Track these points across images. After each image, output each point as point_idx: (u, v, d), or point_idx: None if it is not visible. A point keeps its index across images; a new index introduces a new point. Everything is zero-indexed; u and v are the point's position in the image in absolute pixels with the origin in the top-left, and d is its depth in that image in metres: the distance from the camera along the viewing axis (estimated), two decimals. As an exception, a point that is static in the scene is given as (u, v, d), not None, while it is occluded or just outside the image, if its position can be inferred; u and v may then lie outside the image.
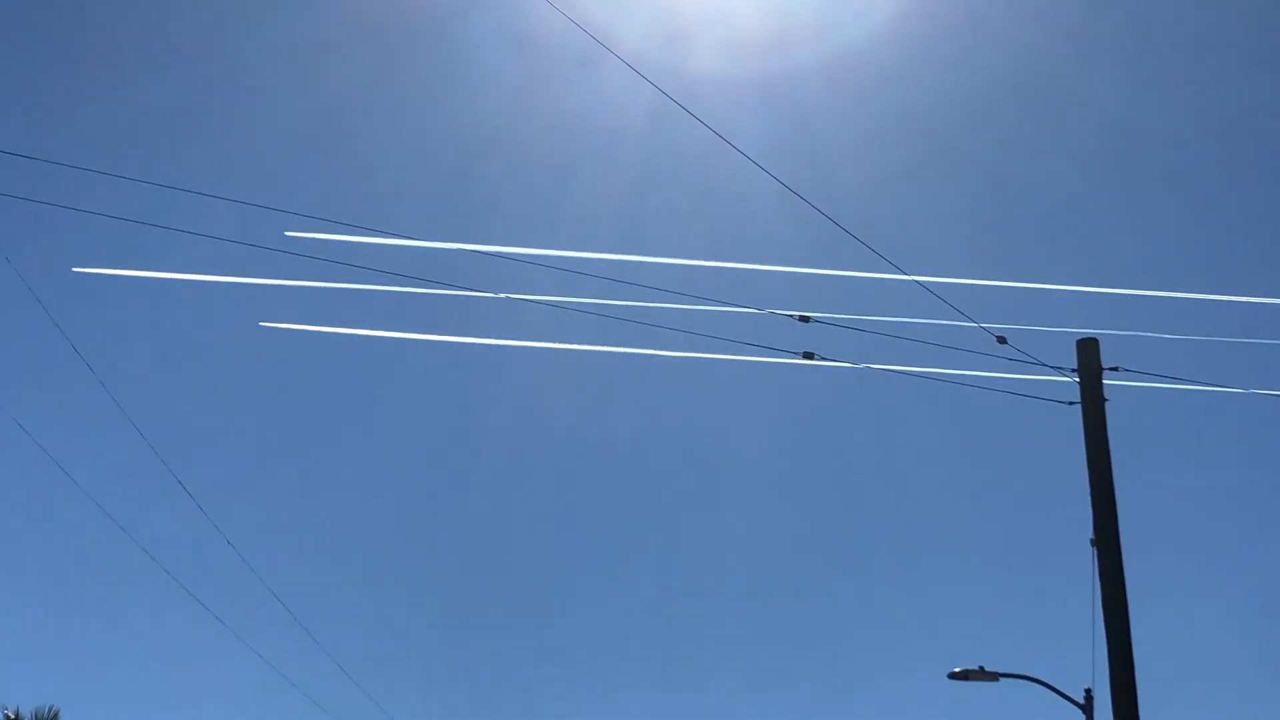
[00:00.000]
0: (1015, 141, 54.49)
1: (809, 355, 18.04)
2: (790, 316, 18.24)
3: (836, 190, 46.60)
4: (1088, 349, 17.68)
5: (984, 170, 55.60)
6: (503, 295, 19.47)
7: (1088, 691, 27.14)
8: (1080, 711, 27.13)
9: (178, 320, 55.50)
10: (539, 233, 49.02)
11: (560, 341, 24.92)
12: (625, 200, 50.82)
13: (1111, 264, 52.26)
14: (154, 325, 55.52)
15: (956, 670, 28.25)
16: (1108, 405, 17.49)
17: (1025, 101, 52.85)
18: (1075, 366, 17.68)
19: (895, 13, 44.60)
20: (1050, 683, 27.72)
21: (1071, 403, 17.62)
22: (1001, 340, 17.88)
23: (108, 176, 19.86)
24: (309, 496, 59.04)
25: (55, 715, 41.88)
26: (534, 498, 58.02)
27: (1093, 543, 17.01)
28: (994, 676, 28.19)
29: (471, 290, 19.48)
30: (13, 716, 41.65)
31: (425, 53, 51.66)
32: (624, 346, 23.17)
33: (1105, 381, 17.63)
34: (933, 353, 18.78)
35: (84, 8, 55.37)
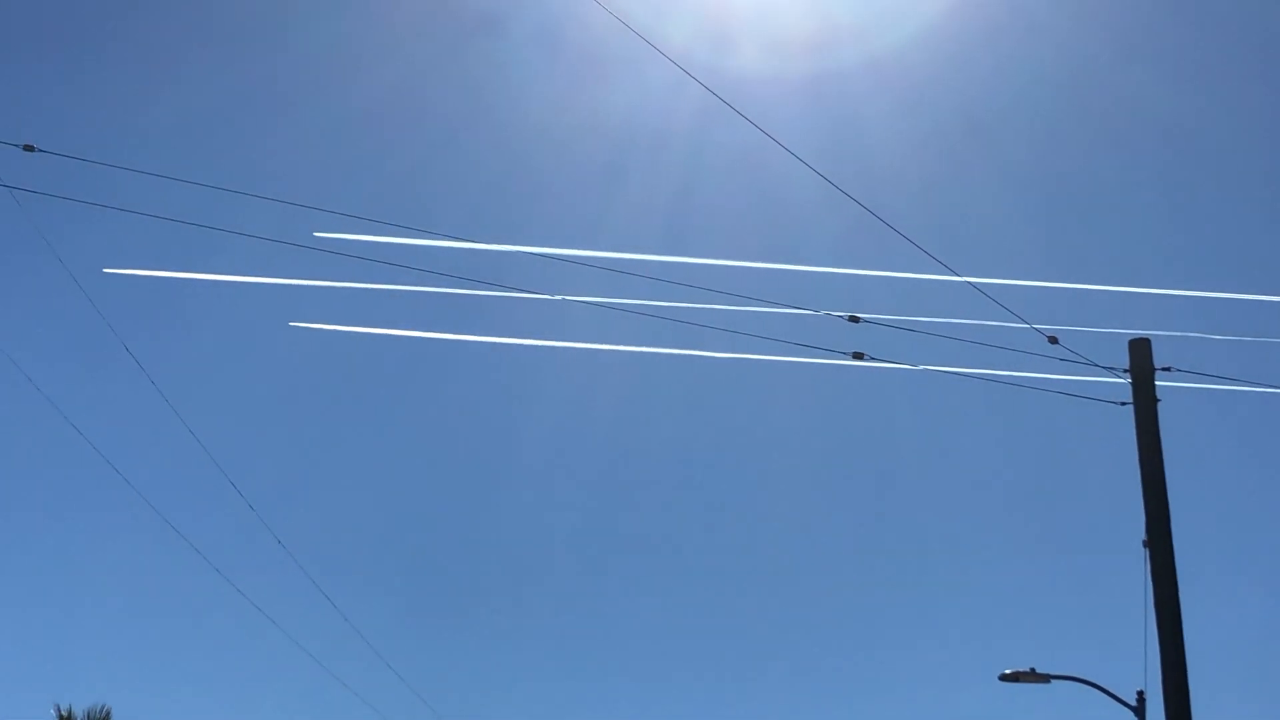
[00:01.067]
0: (1066, 140, 54.22)
1: (859, 356, 17.97)
2: (840, 317, 18.18)
3: (882, 190, 46.45)
4: (1140, 349, 17.57)
5: (1034, 169, 55.36)
6: (552, 296, 19.48)
7: (1140, 694, 26.94)
8: (1132, 714, 26.94)
9: (219, 321, 55.79)
10: (584, 233, 49.07)
11: (606, 343, 24.92)
12: (670, 200, 50.79)
13: (1164, 263, 51.96)
14: (196, 324, 55.79)
15: (1007, 672, 28.09)
16: (1160, 406, 17.37)
17: (1076, 100, 52.56)
18: (1127, 367, 17.57)
19: (942, 11, 44.40)
20: (1102, 685, 27.55)
21: (1124, 403, 17.52)
22: (1053, 340, 17.78)
23: (173, 179, 19.92)
24: (351, 495, 59.22)
25: (107, 715, 42.17)
26: (579, 499, 58.08)
27: (1145, 544, 16.90)
28: (1045, 678, 28.02)
29: (518, 291, 19.48)
30: (66, 715, 41.96)
31: (470, 53, 51.74)
32: (670, 348, 23.16)
33: (1158, 382, 17.51)
34: (984, 353, 18.69)
35: (124, 9, 55.69)
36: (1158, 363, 17.55)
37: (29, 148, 17.93)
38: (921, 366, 18.89)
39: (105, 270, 21.55)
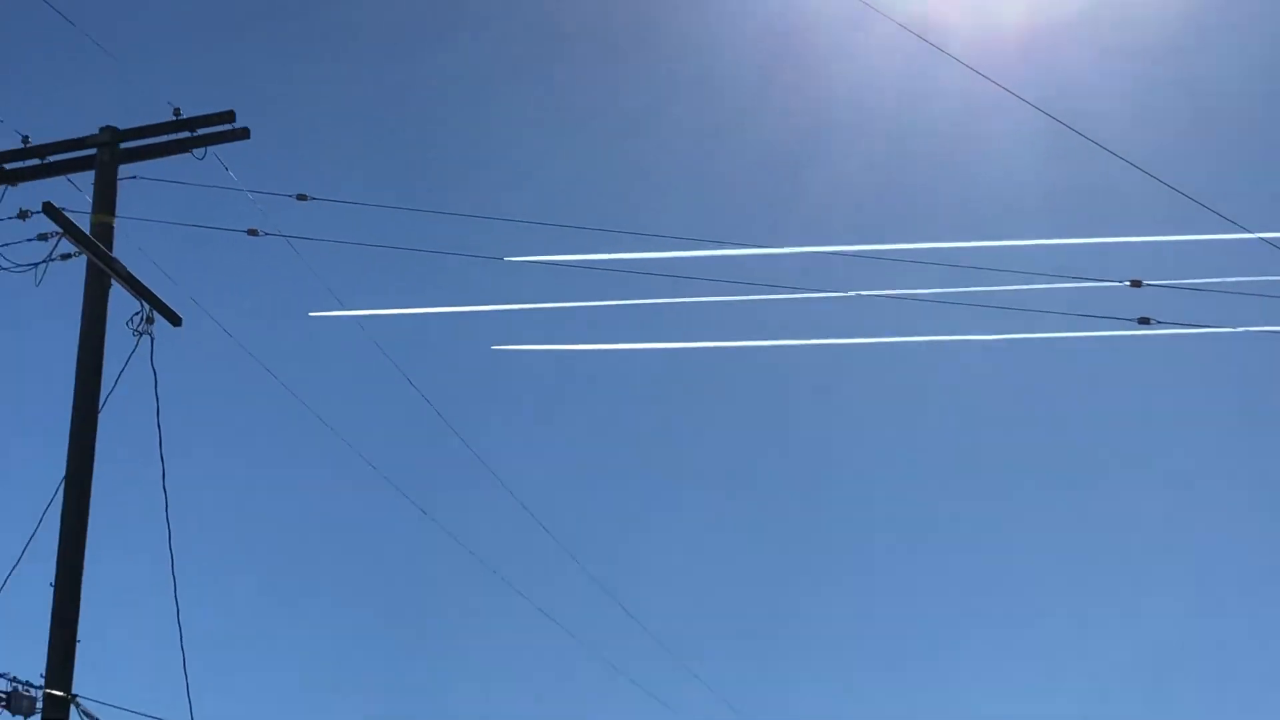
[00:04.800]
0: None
1: (1144, 320, 17.32)
2: (1120, 284, 17.55)
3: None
4: None
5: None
6: (845, 293, 19.26)
7: None
8: None
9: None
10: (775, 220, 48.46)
11: (900, 335, 24.50)
12: (874, 183, 49.84)
13: None
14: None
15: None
16: None
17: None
18: None
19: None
20: None
21: None
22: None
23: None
24: (638, 491, 59.60)
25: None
26: (904, 494, 57.14)
27: None
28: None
29: (805, 290, 19.26)
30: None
31: (667, 29, 51.42)
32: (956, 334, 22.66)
33: None
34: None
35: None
36: None
37: (302, 197, 18.37)
38: (1215, 329, 18.14)
39: (310, 314, 21.80)
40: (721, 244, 18.91)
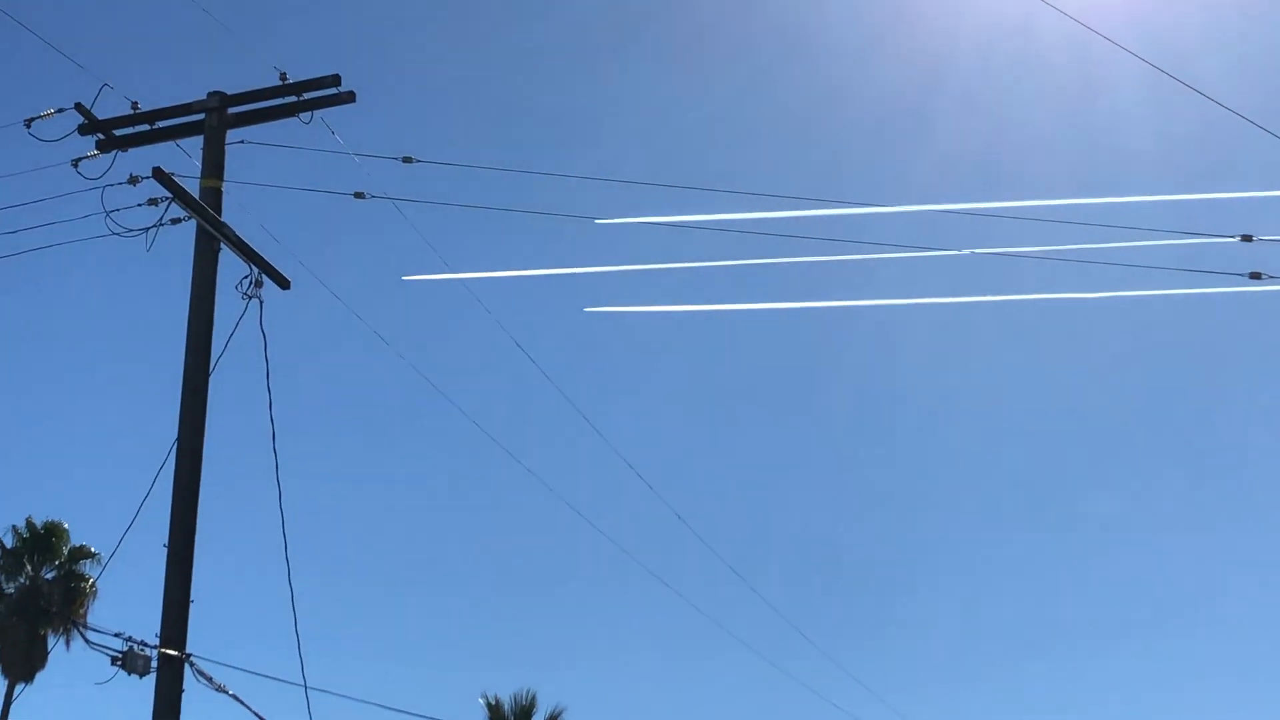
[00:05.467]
0: None
1: (1256, 275, 17.00)
2: (1231, 240, 17.23)
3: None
4: None
5: None
6: (959, 251, 19.08)
7: None
8: None
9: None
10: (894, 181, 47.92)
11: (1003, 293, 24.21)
12: (985, 139, 49.12)
13: None
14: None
15: None
16: None
17: None
18: None
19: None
20: None
21: None
22: None
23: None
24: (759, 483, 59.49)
25: (533, 701, 43.45)
26: (1005, 476, 56.54)
27: None
28: None
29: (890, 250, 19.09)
30: (493, 703, 43.42)
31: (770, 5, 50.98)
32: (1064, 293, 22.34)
33: None
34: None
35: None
36: None
37: (407, 160, 18.41)
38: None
39: (404, 277, 21.84)
40: (830, 203, 18.79)
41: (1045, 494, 57.17)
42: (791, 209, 18.68)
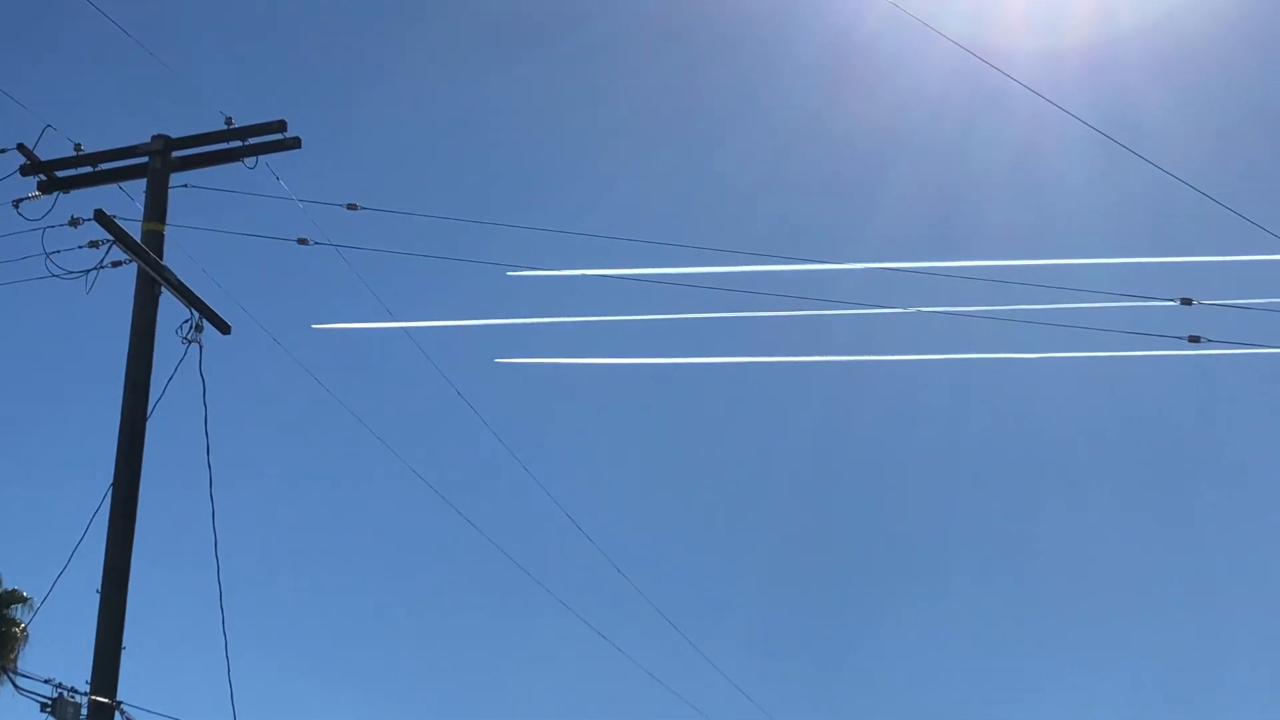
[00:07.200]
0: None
1: (1195, 339, 17.14)
2: (1171, 303, 17.39)
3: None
4: None
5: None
6: (906, 309, 19.18)
7: None
8: None
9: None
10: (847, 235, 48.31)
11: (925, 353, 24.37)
12: (938, 200, 49.63)
13: None
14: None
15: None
16: None
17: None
18: None
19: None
20: None
21: None
22: None
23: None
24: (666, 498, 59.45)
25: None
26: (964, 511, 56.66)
27: None
28: None
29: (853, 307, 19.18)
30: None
31: (738, 52, 51.31)
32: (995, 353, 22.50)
33: None
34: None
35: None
36: None
37: (352, 206, 18.37)
38: (1266, 349, 17.92)
39: (313, 326, 21.68)
40: (782, 259, 18.89)
41: (993, 550, 57.40)
42: (744, 264, 18.79)
